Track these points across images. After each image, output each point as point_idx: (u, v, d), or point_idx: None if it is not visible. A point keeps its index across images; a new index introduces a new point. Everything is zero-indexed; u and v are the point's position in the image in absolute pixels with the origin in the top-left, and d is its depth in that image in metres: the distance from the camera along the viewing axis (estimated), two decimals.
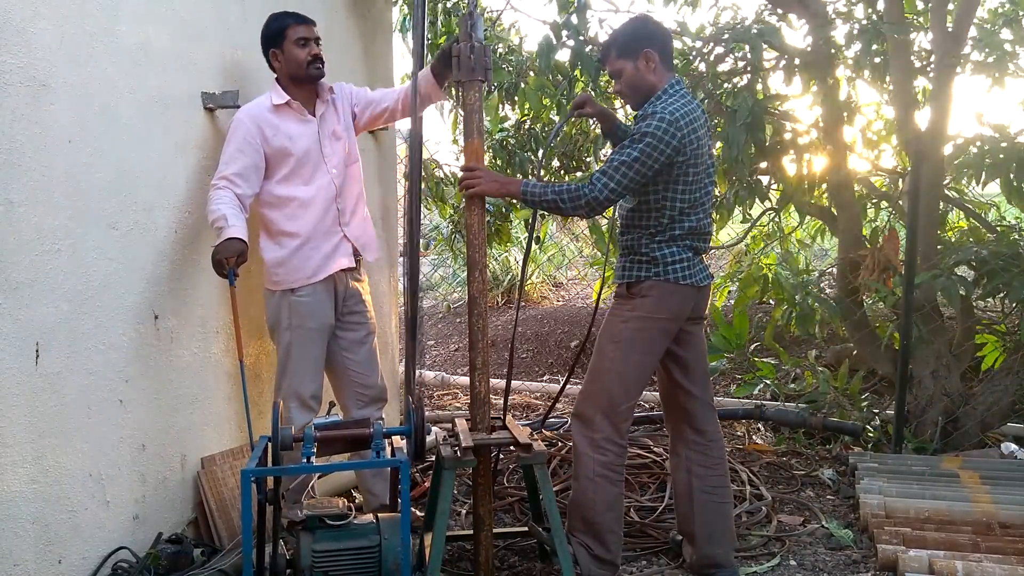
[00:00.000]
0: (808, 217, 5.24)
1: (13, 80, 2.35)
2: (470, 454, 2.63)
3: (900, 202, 4.72)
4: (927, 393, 4.14)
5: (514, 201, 5.42)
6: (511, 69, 4.79)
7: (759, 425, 4.67)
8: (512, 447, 2.78)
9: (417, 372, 4.01)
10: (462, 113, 2.91)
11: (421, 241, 3.95)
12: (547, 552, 3.02)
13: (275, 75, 3.05)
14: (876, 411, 4.42)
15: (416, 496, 3.59)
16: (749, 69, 4.37)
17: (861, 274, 4.32)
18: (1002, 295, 3.86)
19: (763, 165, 4.52)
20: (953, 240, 4.44)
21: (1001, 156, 3.66)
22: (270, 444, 2.44)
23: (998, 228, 4.50)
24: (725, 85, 4.47)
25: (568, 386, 5.45)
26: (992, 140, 3.73)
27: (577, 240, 9.39)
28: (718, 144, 4.11)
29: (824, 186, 4.66)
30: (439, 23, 5.36)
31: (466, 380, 5.80)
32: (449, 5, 5.35)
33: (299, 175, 3.01)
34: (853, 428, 4.27)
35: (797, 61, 4.16)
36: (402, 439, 2.57)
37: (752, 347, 5.68)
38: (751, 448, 4.30)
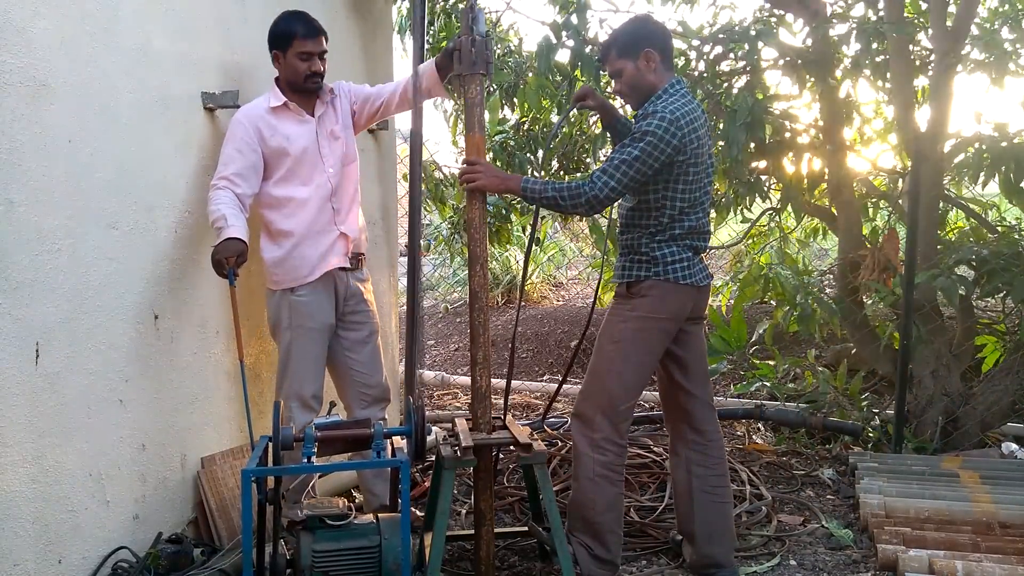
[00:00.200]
0: (806, 216, 5.25)
1: (13, 80, 2.35)
2: (470, 454, 2.63)
3: (900, 202, 4.72)
4: (927, 393, 4.14)
5: (515, 203, 5.44)
6: (510, 70, 4.79)
7: (759, 425, 4.67)
8: (512, 447, 2.78)
9: (417, 372, 4.02)
10: (462, 116, 2.93)
11: (421, 242, 3.95)
12: (547, 552, 3.02)
13: (276, 73, 3.05)
14: (876, 411, 4.42)
15: (416, 496, 3.59)
16: (748, 69, 4.37)
17: (861, 274, 4.32)
18: (1002, 295, 3.86)
19: (762, 164, 4.52)
20: (953, 240, 4.43)
21: (1001, 155, 3.66)
22: (270, 444, 2.44)
23: (998, 228, 4.51)
24: (724, 85, 4.47)
25: (567, 386, 5.49)
26: (992, 139, 3.73)
27: (577, 240, 9.40)
28: (718, 144, 4.11)
29: (824, 185, 4.66)
30: (438, 24, 5.36)
31: (466, 380, 5.81)
32: (448, 5, 5.35)
33: (297, 175, 3.01)
34: (853, 428, 4.27)
35: (798, 61, 4.16)
36: (402, 439, 2.57)
37: (752, 348, 5.68)
38: (751, 448, 4.30)
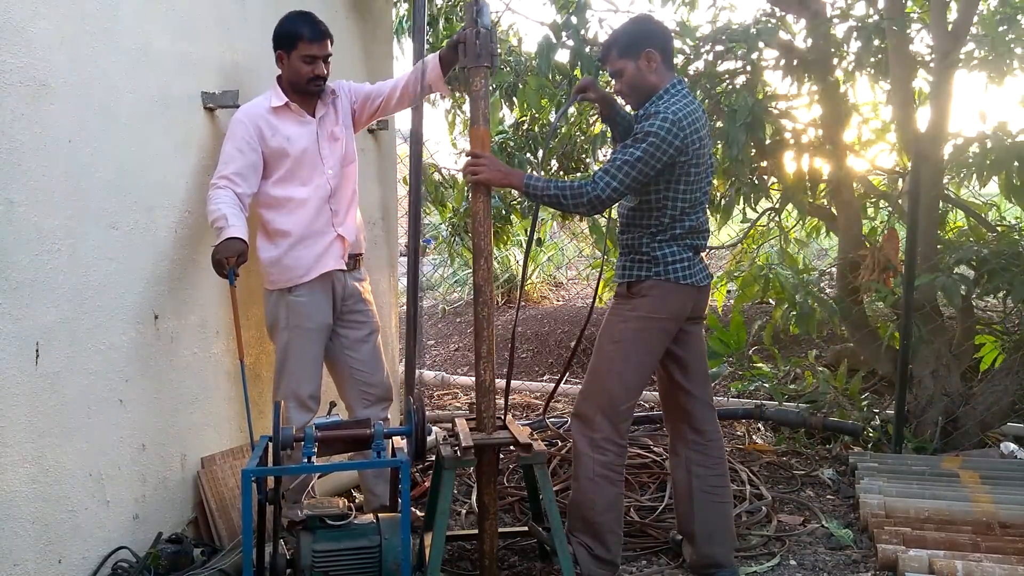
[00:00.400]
0: (806, 216, 5.24)
1: (13, 80, 2.35)
2: (470, 454, 2.63)
3: (900, 202, 4.72)
4: (927, 393, 4.14)
5: (515, 203, 5.44)
6: (510, 69, 4.79)
7: (759, 425, 4.67)
8: (512, 447, 2.78)
9: (417, 372, 4.02)
10: (461, 113, 2.94)
11: (421, 242, 3.94)
12: (547, 552, 3.02)
13: (278, 72, 3.04)
14: (876, 411, 4.42)
15: (416, 496, 3.59)
16: (748, 69, 4.37)
17: (861, 274, 4.32)
18: (1003, 295, 3.86)
19: (763, 164, 4.52)
20: (953, 240, 4.43)
21: (1002, 154, 3.66)
22: (271, 444, 2.44)
23: (998, 228, 4.51)
24: (724, 85, 4.47)
25: (567, 385, 5.49)
26: (994, 138, 3.73)
27: (577, 240, 9.40)
28: (718, 144, 4.11)
29: (824, 185, 4.66)
30: (440, 25, 5.37)
31: (466, 380, 5.81)
32: (448, 6, 5.35)
33: (296, 176, 3.00)
34: (853, 428, 4.27)
35: (795, 61, 4.16)
36: (403, 439, 2.57)
37: (752, 349, 5.68)
38: (751, 448, 4.30)
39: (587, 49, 4.08)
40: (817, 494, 3.76)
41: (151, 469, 2.88)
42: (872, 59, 4.24)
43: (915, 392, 4.17)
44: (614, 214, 3.05)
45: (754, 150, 4.31)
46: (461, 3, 5.39)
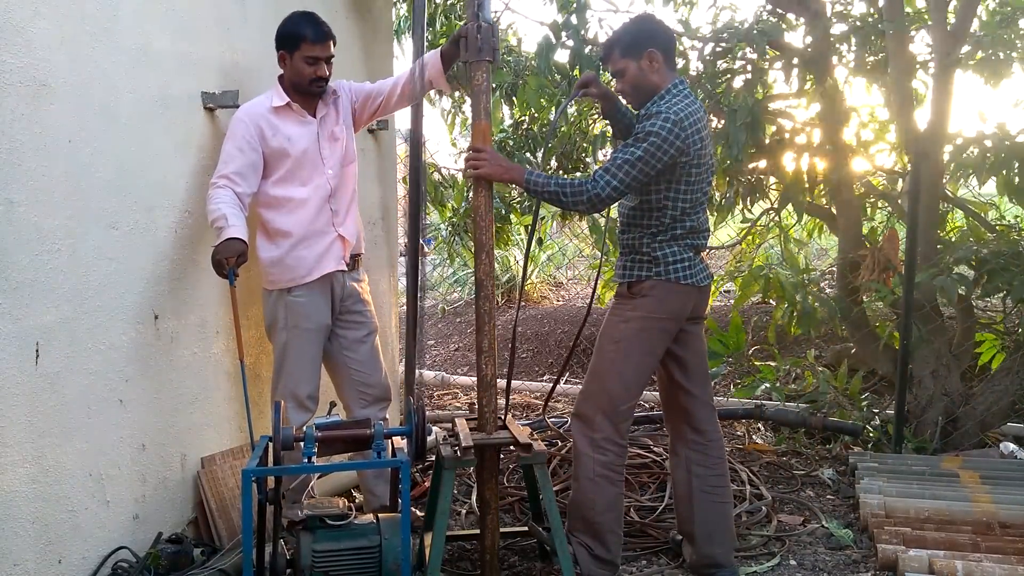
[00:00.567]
0: (805, 216, 5.25)
1: (13, 80, 2.35)
2: (470, 454, 2.63)
3: (900, 202, 4.72)
4: (927, 393, 4.14)
5: (515, 203, 5.44)
6: (510, 69, 4.79)
7: (759, 425, 4.67)
8: (512, 447, 2.78)
9: (417, 372, 4.02)
10: (461, 114, 2.94)
11: (421, 242, 3.95)
12: (547, 552, 3.02)
13: (279, 72, 3.04)
14: (876, 411, 4.42)
15: (416, 496, 3.59)
16: (749, 69, 4.37)
17: (861, 274, 4.32)
18: (1003, 294, 3.86)
19: (762, 164, 4.52)
20: (953, 240, 4.44)
21: (1002, 155, 3.66)
22: (271, 444, 2.44)
23: (998, 228, 4.51)
24: (724, 85, 4.47)
25: (567, 385, 5.49)
26: (993, 138, 3.73)
27: (577, 240, 9.40)
28: (718, 144, 4.11)
29: (824, 185, 4.66)
30: (438, 23, 5.37)
31: (466, 380, 5.81)
32: (447, 5, 5.35)
33: (296, 176, 3.00)
34: (853, 428, 4.27)
35: (795, 61, 4.16)
36: (402, 439, 2.57)
37: (751, 349, 5.68)
38: (751, 448, 4.30)
39: (587, 49, 4.08)
40: (817, 494, 3.76)
41: (151, 469, 2.88)
42: (871, 59, 4.24)
43: (915, 392, 4.18)
44: (614, 214, 3.05)
45: (754, 150, 4.31)
46: (461, 1, 5.38)
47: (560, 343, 6.66)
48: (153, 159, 2.84)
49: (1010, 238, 4.14)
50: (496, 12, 5.34)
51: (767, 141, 4.31)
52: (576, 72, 4.27)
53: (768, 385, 4.91)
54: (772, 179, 4.79)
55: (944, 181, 4.37)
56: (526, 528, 3.13)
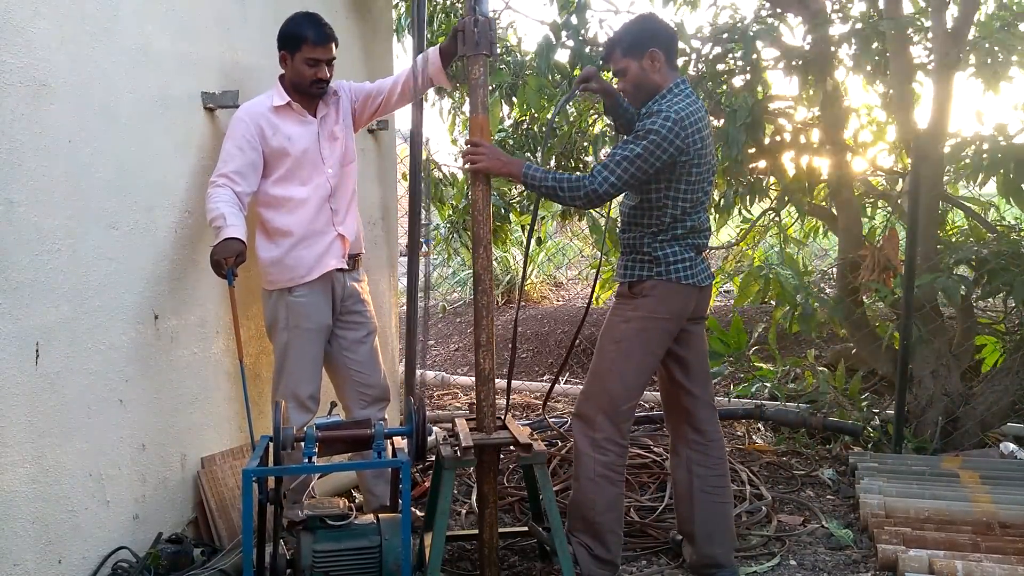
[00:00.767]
0: (805, 216, 5.25)
1: (13, 80, 2.35)
2: (470, 454, 2.63)
3: (900, 202, 4.73)
4: (927, 393, 4.14)
5: (514, 202, 5.43)
6: (509, 69, 4.79)
7: (759, 425, 4.67)
8: (512, 447, 2.78)
9: (417, 372, 4.02)
10: (461, 114, 2.94)
11: (420, 242, 3.95)
12: (547, 552, 3.02)
13: (279, 72, 3.04)
14: (876, 411, 4.42)
15: (416, 496, 3.59)
16: (748, 69, 4.37)
17: (861, 274, 4.32)
18: (1003, 295, 3.87)
19: (762, 164, 4.52)
20: (953, 240, 4.44)
21: (999, 156, 3.66)
22: (271, 444, 2.44)
23: (998, 228, 4.51)
24: (724, 85, 4.47)
25: (567, 385, 5.49)
26: (992, 139, 3.73)
27: (577, 240, 9.40)
28: (718, 144, 4.11)
29: (823, 185, 4.66)
30: (437, 22, 5.37)
31: (466, 380, 5.81)
32: (447, 4, 5.35)
33: (296, 175, 3.00)
34: (853, 428, 4.27)
35: (797, 61, 4.16)
36: (403, 439, 2.57)
37: (752, 349, 5.68)
38: (751, 448, 4.30)
39: (587, 49, 4.08)
40: (817, 494, 3.76)
41: (151, 469, 2.88)
42: (871, 60, 4.24)
43: (915, 392, 4.18)
44: (614, 213, 3.04)
45: (754, 150, 4.31)
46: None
47: (560, 343, 6.66)
48: (153, 159, 2.83)
49: (1010, 238, 4.14)
50: (496, 11, 5.35)
51: (767, 141, 4.31)
52: (576, 72, 4.27)
53: (769, 384, 4.91)
54: (772, 179, 4.79)
55: (944, 181, 4.38)
56: (526, 528, 3.13)
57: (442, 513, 2.63)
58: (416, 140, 3.91)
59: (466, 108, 5.69)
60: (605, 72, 3.40)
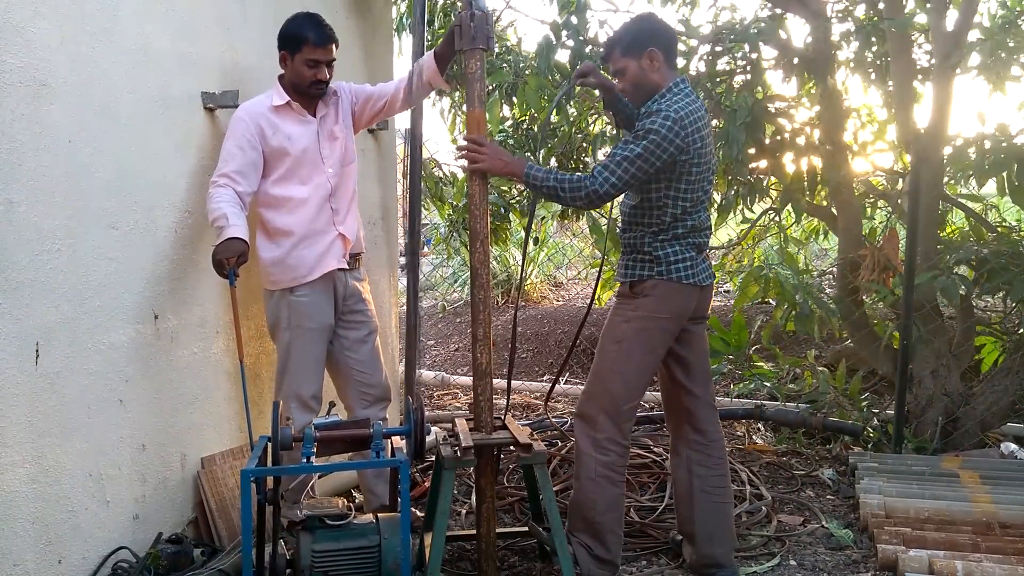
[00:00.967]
0: (805, 216, 5.25)
1: (13, 80, 2.35)
2: (470, 454, 2.63)
3: (900, 202, 4.73)
4: (927, 393, 4.14)
5: (514, 202, 5.43)
6: (510, 68, 4.79)
7: (759, 425, 4.67)
8: (512, 447, 2.78)
9: (417, 372, 4.02)
10: (461, 114, 2.94)
11: (420, 242, 3.95)
12: (547, 552, 3.02)
13: (279, 72, 3.04)
14: (876, 411, 4.42)
15: (416, 496, 3.59)
16: (748, 68, 4.37)
17: (861, 274, 4.32)
18: (1003, 294, 3.86)
19: (763, 164, 4.52)
20: (953, 240, 4.44)
21: (1002, 156, 3.66)
22: (270, 444, 2.44)
23: (998, 228, 4.51)
24: (724, 85, 4.47)
25: (568, 385, 5.49)
26: (993, 139, 3.73)
27: (577, 240, 9.40)
28: (718, 143, 4.11)
29: (824, 185, 4.66)
30: (437, 22, 5.37)
31: (466, 380, 5.81)
32: (447, 4, 5.35)
33: (296, 175, 3.00)
34: (853, 428, 4.27)
35: (796, 61, 4.16)
36: (402, 439, 2.57)
37: (752, 348, 5.68)
38: (751, 448, 4.30)
39: (587, 49, 4.08)
40: (817, 494, 3.76)
41: (151, 469, 2.88)
42: (872, 61, 4.24)
43: (915, 392, 4.18)
44: (615, 213, 3.04)
45: (754, 150, 4.31)
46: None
47: (560, 343, 6.66)
48: (153, 159, 2.83)
49: (1010, 238, 4.14)
50: (496, 11, 5.34)
51: (767, 141, 4.31)
52: None
53: (769, 384, 4.91)
54: (772, 179, 4.78)
55: (945, 182, 4.38)
56: (526, 528, 3.13)
57: (442, 513, 2.63)
58: (416, 145, 3.91)
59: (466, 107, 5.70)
60: (605, 71, 3.39)
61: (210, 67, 3.05)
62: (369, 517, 2.60)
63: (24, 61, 2.38)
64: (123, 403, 2.75)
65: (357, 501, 3.50)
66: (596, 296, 4.05)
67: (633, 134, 2.67)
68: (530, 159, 5.11)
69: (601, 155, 4.98)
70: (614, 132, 4.06)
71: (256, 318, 3.26)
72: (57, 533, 2.52)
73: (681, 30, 4.42)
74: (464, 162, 2.82)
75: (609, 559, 2.82)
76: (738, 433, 4.60)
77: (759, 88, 4.39)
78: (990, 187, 3.97)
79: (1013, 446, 4.04)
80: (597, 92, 3.40)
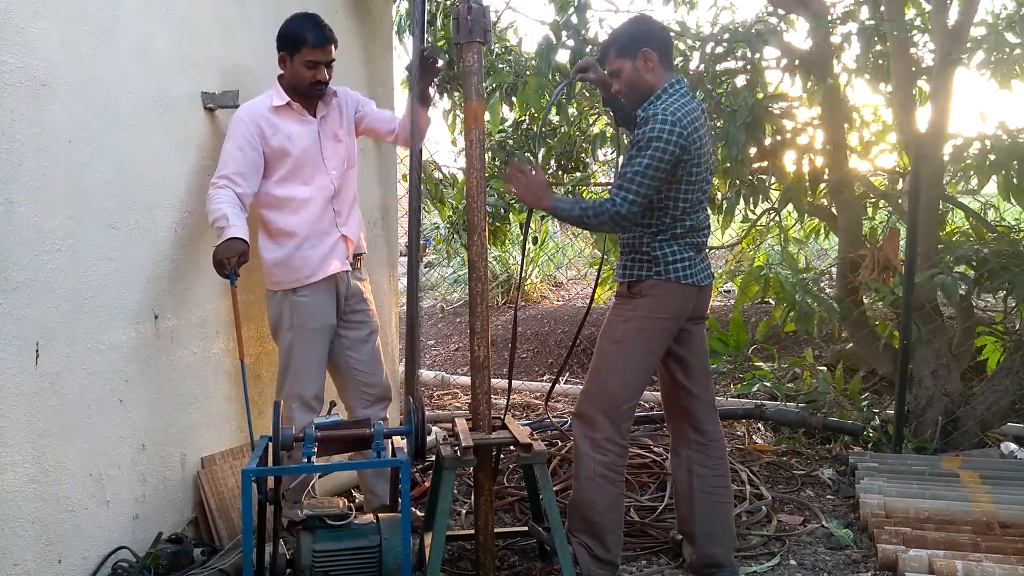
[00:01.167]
0: (805, 216, 5.25)
1: (13, 80, 2.35)
2: (470, 454, 2.63)
3: (900, 202, 4.73)
4: (927, 393, 4.14)
5: (513, 201, 5.43)
6: (510, 69, 4.79)
7: (759, 425, 4.67)
8: (512, 447, 2.78)
9: (417, 372, 4.02)
10: (461, 115, 2.94)
11: (420, 242, 3.94)
12: (547, 552, 3.02)
13: (278, 72, 3.04)
14: (876, 411, 4.42)
15: (416, 496, 3.59)
16: (749, 69, 4.37)
17: (861, 273, 4.32)
18: (1003, 294, 3.86)
19: (763, 164, 4.52)
20: (953, 240, 4.44)
21: (1003, 154, 3.66)
22: (270, 444, 2.44)
23: (998, 228, 4.51)
24: (724, 85, 4.47)
25: (567, 385, 5.49)
26: (995, 137, 3.72)
27: (577, 240, 9.40)
28: (718, 143, 4.11)
29: (824, 185, 4.66)
30: (439, 22, 5.36)
31: (466, 380, 5.81)
32: (448, 5, 5.34)
33: (298, 175, 3.00)
34: (853, 428, 4.27)
35: (796, 61, 4.16)
36: (402, 439, 2.57)
37: (751, 348, 5.68)
38: (751, 448, 4.30)
39: (587, 49, 4.08)
40: (817, 494, 3.76)
41: (151, 469, 2.88)
42: (873, 61, 4.24)
43: (915, 392, 4.18)
44: None
45: (754, 150, 4.31)
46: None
47: (560, 343, 6.66)
48: (153, 159, 2.84)
49: (1010, 238, 4.14)
50: (497, 11, 5.34)
51: (768, 141, 4.31)
52: None
53: (768, 384, 4.91)
54: (773, 179, 4.78)
55: (945, 182, 4.38)
56: (526, 528, 3.13)
57: (442, 513, 2.63)
58: (415, 145, 3.89)
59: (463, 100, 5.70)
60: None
61: (210, 67, 3.06)
62: (370, 517, 2.60)
63: (24, 61, 2.38)
64: (123, 403, 2.75)
65: (357, 501, 3.50)
66: (596, 297, 4.06)
67: (635, 146, 2.67)
68: (530, 158, 5.12)
69: (601, 155, 4.98)
70: (614, 132, 4.06)
71: (256, 318, 3.26)
72: (57, 533, 2.52)
73: (676, 30, 4.42)
74: (464, 163, 2.84)
75: (609, 559, 2.82)
76: (738, 433, 4.60)
77: (759, 88, 4.39)
78: (990, 187, 3.97)
79: (1013, 446, 4.04)
80: (598, 89, 3.40)
